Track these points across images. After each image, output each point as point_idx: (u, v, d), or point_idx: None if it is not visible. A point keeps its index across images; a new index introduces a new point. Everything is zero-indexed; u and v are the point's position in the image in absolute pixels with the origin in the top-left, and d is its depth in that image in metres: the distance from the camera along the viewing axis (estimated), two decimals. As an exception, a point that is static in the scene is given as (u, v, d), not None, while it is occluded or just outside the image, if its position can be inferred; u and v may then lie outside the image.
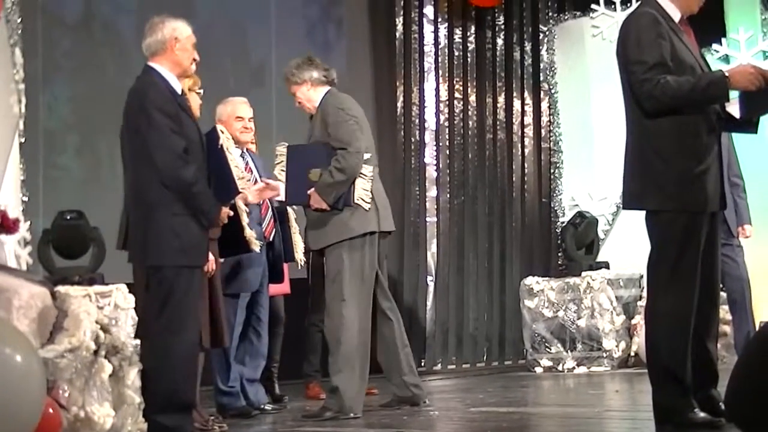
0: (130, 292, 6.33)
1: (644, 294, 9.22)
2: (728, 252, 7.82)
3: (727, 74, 4.90)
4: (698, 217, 5.00)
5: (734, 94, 4.99)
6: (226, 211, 5.66)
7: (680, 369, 4.98)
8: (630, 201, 5.20)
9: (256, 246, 6.26)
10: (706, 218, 5.05)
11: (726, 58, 10.05)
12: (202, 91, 6.22)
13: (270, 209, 7.16)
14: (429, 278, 10.91)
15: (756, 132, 5.20)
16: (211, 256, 5.89)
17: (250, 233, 6.20)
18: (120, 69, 8.65)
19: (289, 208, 7.24)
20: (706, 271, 5.07)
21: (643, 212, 5.15)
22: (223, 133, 5.80)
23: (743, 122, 5.08)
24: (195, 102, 6.06)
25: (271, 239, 7.12)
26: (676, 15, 5.07)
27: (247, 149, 7.23)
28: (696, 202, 4.98)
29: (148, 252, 5.33)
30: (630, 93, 5.04)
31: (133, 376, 5.91)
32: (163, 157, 5.26)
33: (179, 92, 5.50)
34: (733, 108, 5.01)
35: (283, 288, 7.65)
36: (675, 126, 4.95)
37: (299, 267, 7.54)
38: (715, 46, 10.18)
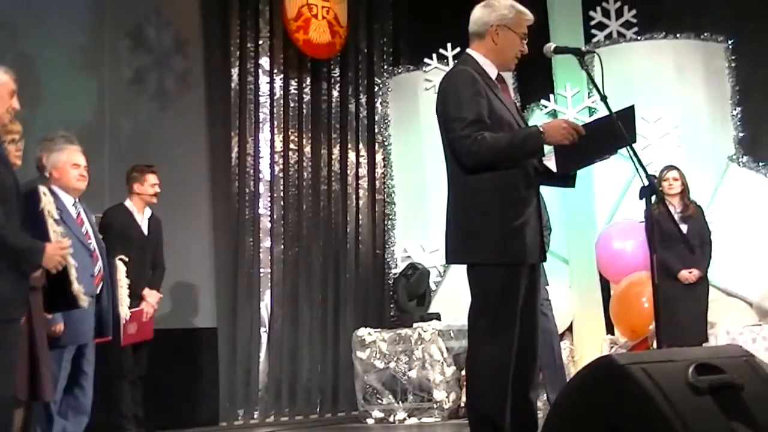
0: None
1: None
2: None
3: (542, 129, 4.97)
4: (518, 269, 5.05)
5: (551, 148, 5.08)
6: (57, 260, 5.42)
7: (499, 418, 5.02)
8: (452, 255, 5.23)
9: (84, 302, 6.12)
10: (525, 270, 5.11)
11: (554, 113, 10.31)
12: (20, 142, 6.00)
13: (100, 260, 7.04)
14: (262, 329, 10.83)
15: (573, 186, 5.30)
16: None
17: (78, 288, 6.05)
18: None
19: (118, 263, 7.21)
20: (525, 322, 5.13)
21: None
22: (45, 195, 5.65)
23: (561, 176, 5.17)
24: (12, 151, 5.85)
25: (98, 291, 7.00)
26: (493, 72, 5.16)
27: (79, 199, 7.10)
28: (515, 254, 5.03)
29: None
30: (449, 150, 5.09)
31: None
32: None
33: None
34: (551, 162, 5.11)
35: (145, 335, 7.90)
36: (494, 181, 5.00)
37: (123, 321, 7.46)
38: (543, 101, 10.43)
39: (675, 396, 3.60)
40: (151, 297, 8.30)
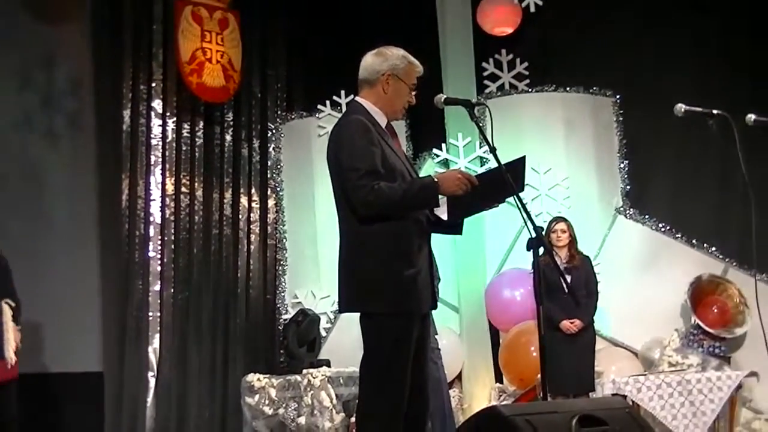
0: None
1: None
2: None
3: (436, 179, 5.00)
4: (410, 319, 5.04)
5: (444, 198, 5.12)
6: None
7: (388, 468, 5.00)
8: (345, 304, 5.19)
9: None
10: (417, 319, 5.11)
11: (446, 163, 10.38)
12: None
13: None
14: (150, 374, 10.67)
15: (461, 233, 5.33)
16: None
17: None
18: None
19: (4, 306, 7.10)
20: (416, 371, 5.12)
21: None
22: None
23: (449, 225, 5.21)
24: None
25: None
26: (382, 120, 5.17)
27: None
28: (408, 304, 5.02)
29: None
30: (343, 198, 5.07)
31: None
32: None
33: None
34: (441, 210, 5.14)
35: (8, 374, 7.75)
36: (387, 230, 4.98)
37: (9, 366, 7.35)
38: (435, 150, 10.50)
39: (558, 447, 3.64)
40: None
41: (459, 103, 5.32)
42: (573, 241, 9.03)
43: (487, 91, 11.04)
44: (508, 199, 5.16)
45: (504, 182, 4.93)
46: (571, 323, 8.74)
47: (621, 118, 10.81)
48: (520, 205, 4.90)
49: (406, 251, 5.04)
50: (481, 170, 9.74)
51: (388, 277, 5.00)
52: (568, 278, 8.70)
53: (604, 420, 3.85)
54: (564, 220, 9.13)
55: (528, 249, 4.91)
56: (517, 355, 9.80)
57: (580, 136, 10.70)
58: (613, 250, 10.44)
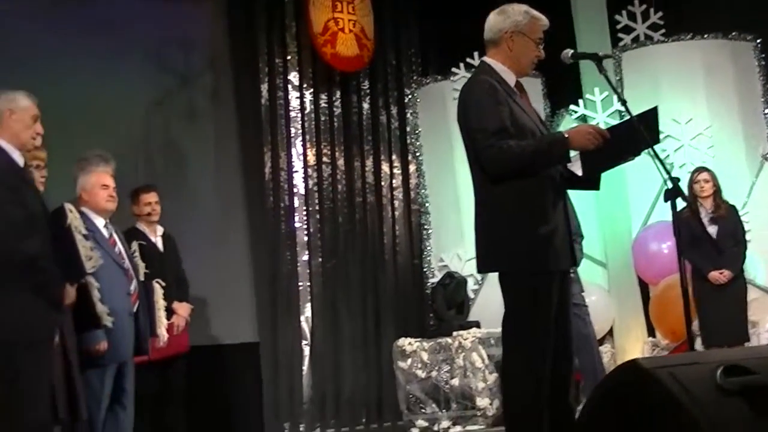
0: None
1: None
2: (576, 311, 7.73)
3: (566, 135, 4.95)
4: (549, 276, 5.01)
5: (576, 153, 5.08)
6: (71, 291, 5.54)
7: (535, 428, 5.00)
8: (483, 264, 5.20)
9: (108, 321, 6.19)
10: (556, 277, 5.08)
11: (584, 118, 10.27)
12: (44, 168, 6.11)
13: (135, 280, 7.09)
14: (304, 342, 10.85)
15: (598, 189, 5.28)
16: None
17: (101, 308, 6.12)
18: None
19: (155, 285, 7.27)
20: (558, 329, 5.11)
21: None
22: (71, 212, 5.70)
23: (585, 180, 5.16)
24: (36, 177, 5.94)
25: (135, 310, 7.06)
26: (511, 79, 5.13)
27: (110, 220, 7.16)
28: (546, 261, 4.99)
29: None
30: (474, 159, 5.07)
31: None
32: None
33: (21, 164, 5.38)
34: (575, 166, 5.09)
35: (179, 347, 7.98)
36: (520, 188, 4.96)
37: (162, 342, 7.55)
38: (572, 106, 10.39)
39: (703, 399, 3.57)
40: (182, 309, 8.36)
41: (586, 57, 5.27)
42: (718, 191, 8.85)
43: (621, 43, 10.86)
44: (644, 151, 5.10)
45: (637, 134, 4.88)
46: (720, 273, 8.59)
47: (763, 63, 10.54)
48: (655, 156, 4.83)
49: (541, 208, 5.01)
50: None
51: (523, 235, 4.98)
52: (716, 228, 8.57)
53: (752, 369, 3.76)
54: (706, 169, 8.95)
55: (666, 200, 4.85)
56: (667, 308, 9.67)
57: (721, 83, 10.47)
58: (762, 198, 10.20)
